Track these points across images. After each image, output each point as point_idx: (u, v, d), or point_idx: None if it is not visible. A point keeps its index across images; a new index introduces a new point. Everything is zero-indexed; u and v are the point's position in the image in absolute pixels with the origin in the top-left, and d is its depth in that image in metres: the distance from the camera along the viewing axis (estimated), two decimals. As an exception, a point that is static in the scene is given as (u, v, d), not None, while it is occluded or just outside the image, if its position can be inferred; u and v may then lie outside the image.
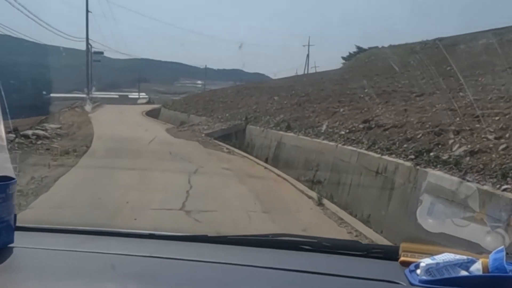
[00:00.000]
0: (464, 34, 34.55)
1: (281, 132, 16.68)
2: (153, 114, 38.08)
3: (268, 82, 43.08)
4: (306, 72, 62.98)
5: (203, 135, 20.23)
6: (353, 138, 12.10)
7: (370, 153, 10.55)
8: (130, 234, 2.07)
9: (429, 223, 5.75)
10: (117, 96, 78.20)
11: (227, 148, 16.85)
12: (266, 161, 16.58)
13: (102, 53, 47.59)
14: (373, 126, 12.63)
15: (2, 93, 2.52)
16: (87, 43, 44.71)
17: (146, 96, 76.64)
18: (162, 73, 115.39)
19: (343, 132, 13.06)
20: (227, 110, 25.44)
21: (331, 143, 12.73)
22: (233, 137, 19.99)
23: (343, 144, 12.10)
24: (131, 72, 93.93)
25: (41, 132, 16.33)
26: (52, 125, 19.17)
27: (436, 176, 7.88)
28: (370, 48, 54.37)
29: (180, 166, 12.03)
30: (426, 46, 37.38)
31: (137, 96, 78.03)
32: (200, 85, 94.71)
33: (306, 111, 18.24)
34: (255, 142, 18.70)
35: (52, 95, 62.93)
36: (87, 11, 44.04)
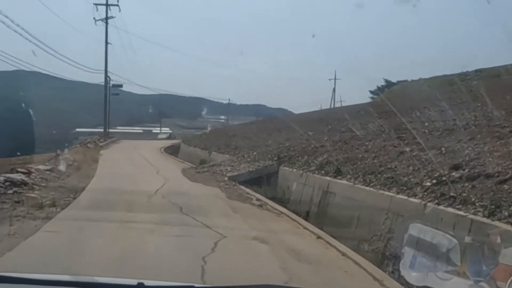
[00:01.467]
0: (500, 66, 30.42)
1: (327, 178, 12.44)
2: (171, 151, 34.25)
3: (293, 116, 39.07)
4: (332, 106, 59.01)
5: (226, 178, 16.09)
6: (452, 194, 7.80)
7: (498, 224, 6.28)
8: (114, 286, 1.84)
9: None
10: (141, 131, 75.93)
11: (257, 199, 12.61)
12: (307, 216, 12.38)
13: (121, 86, 44.40)
14: (476, 175, 8.36)
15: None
16: (106, 76, 41.54)
17: (169, 131, 73.75)
18: (185, 108, 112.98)
19: (428, 184, 8.77)
20: (254, 147, 21.34)
21: (413, 199, 8.45)
22: (264, 182, 15.82)
23: (437, 203, 7.81)
24: (155, 107, 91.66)
25: (18, 178, 12.37)
26: (41, 167, 15.24)
27: None
28: (398, 81, 50.41)
29: (191, 235, 7.86)
30: (467, 77, 33.04)
31: (159, 131, 75.15)
32: (223, 120, 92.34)
33: (357, 150, 14.01)
34: (292, 190, 14.46)
35: (78, 129, 60.10)
36: (106, 42, 40.97)
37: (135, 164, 21.70)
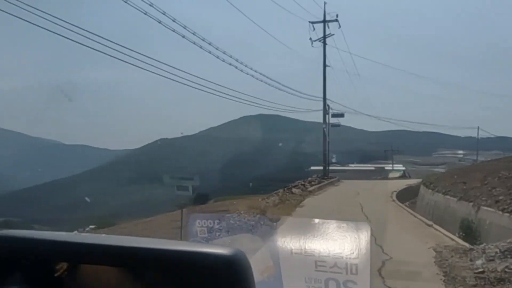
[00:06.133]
0: None
1: None
2: (406, 196, 22.75)
3: None
4: None
5: None
6: None
7: None
8: None
9: None
10: (373, 168, 65.90)
11: None
12: None
13: (342, 115, 34.76)
14: None
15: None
16: (324, 103, 32.40)
17: (402, 168, 61.45)
18: (418, 143, 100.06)
19: None
20: None
21: None
22: None
23: None
24: (385, 143, 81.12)
25: None
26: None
27: None
28: None
29: None
30: None
31: (391, 168, 63.36)
32: (461, 155, 76.73)
33: None
34: None
35: (312, 167, 52.89)
36: (325, 65, 32.10)
37: (343, 240, 11.04)
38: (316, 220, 2.02)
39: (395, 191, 23.96)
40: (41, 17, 12.45)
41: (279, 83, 30.59)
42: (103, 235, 1.47)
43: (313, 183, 24.76)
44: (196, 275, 0.98)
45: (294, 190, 21.18)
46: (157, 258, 1.03)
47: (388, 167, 65.56)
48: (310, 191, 21.60)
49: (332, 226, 1.95)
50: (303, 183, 23.21)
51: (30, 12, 12.20)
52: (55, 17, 12.84)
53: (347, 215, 14.40)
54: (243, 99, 26.60)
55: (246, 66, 24.42)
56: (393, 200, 20.67)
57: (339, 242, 1.87)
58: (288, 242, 1.91)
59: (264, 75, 27.42)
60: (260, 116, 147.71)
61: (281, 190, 21.26)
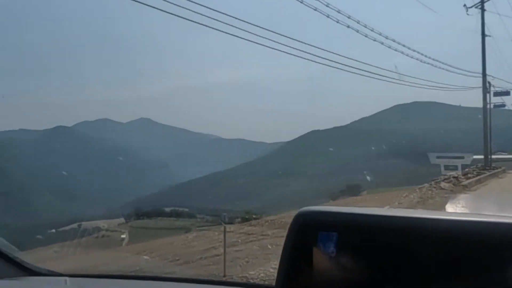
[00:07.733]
0: None
1: None
2: None
3: None
4: None
5: None
6: None
7: None
8: None
9: None
10: None
11: None
12: None
13: (507, 93, 28.57)
14: None
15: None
16: (484, 80, 26.76)
17: None
18: None
19: None
20: None
21: None
22: None
23: None
24: None
25: None
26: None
27: None
28: None
29: None
30: None
31: None
32: None
33: None
34: None
35: (474, 157, 46.34)
36: (483, 35, 26.54)
37: None
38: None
39: None
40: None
41: (430, 58, 25.89)
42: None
43: (469, 175, 20.05)
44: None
45: (443, 184, 17.11)
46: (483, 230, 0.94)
47: None
48: (464, 186, 17.26)
49: None
50: (455, 175, 18.81)
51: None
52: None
53: None
54: (396, 79, 23.12)
55: (394, 41, 21.37)
56: None
57: None
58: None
59: (415, 51, 23.66)
60: (415, 104, 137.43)
61: (426, 185, 17.35)
